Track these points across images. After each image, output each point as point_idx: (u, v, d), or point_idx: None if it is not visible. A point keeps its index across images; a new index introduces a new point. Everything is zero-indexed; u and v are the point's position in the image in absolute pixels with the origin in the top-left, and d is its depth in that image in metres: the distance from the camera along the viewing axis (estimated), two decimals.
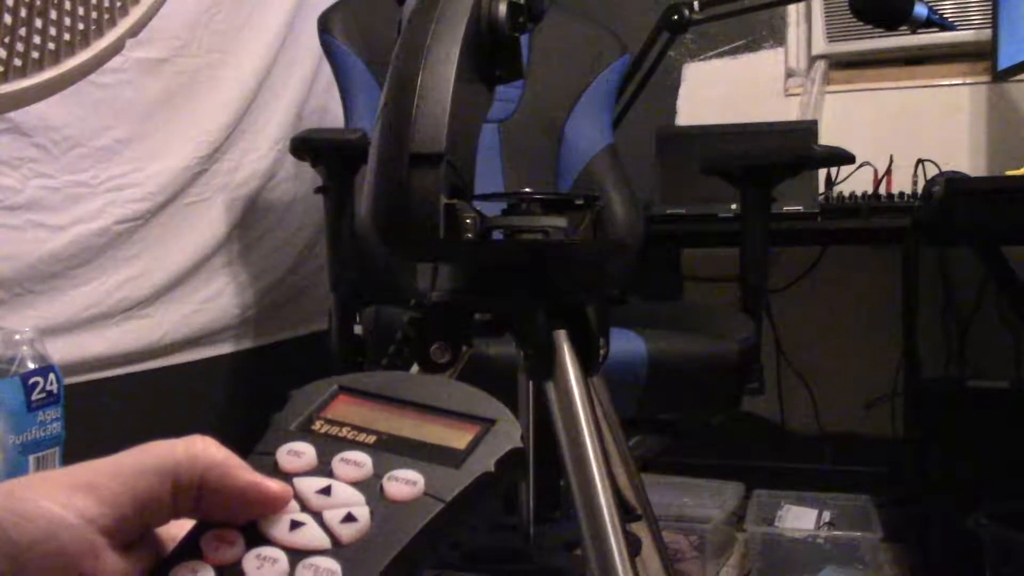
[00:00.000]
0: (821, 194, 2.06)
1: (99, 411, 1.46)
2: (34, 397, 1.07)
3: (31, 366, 1.08)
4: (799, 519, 1.92)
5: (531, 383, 0.99)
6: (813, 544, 1.83)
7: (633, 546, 0.83)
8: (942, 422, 1.83)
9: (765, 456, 2.31)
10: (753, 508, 1.98)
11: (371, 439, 0.35)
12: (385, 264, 1.54)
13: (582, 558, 0.80)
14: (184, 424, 1.67)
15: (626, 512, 0.86)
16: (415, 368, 0.87)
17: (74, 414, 1.15)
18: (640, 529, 0.90)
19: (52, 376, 1.10)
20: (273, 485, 0.32)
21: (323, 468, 0.34)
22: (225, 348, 1.79)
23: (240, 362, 1.83)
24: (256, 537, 0.32)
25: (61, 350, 1.32)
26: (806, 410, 2.32)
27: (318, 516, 0.32)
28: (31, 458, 1.08)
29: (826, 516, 1.92)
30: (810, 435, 2.32)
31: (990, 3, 2.01)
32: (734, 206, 1.87)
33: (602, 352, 0.87)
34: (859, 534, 1.83)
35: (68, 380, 1.18)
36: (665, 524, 1.81)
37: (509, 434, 0.35)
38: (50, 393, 1.09)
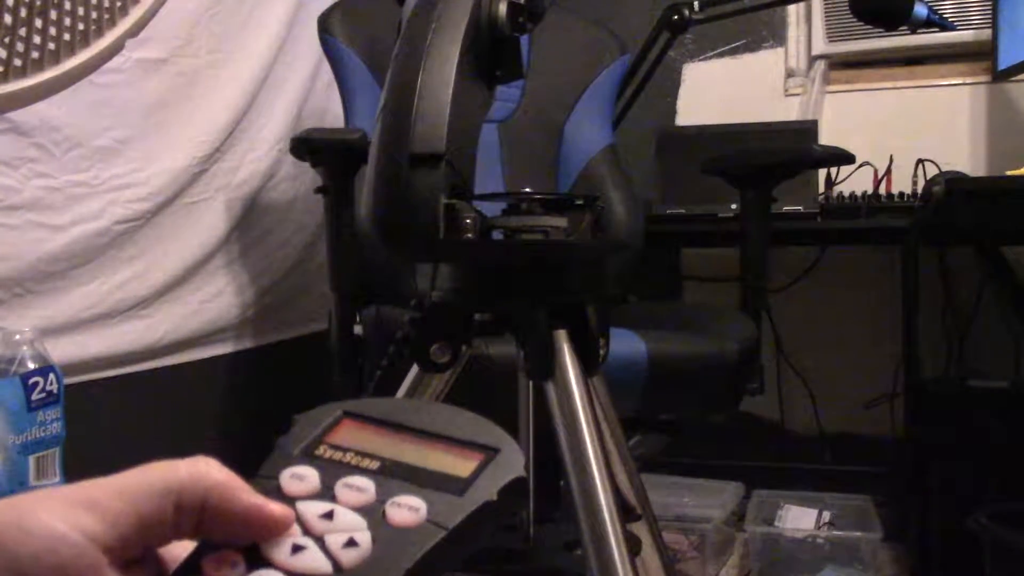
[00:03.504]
0: (821, 194, 2.06)
1: (99, 411, 1.46)
2: (34, 397, 1.07)
3: (31, 366, 1.08)
4: (799, 519, 1.92)
5: (531, 383, 0.99)
6: (813, 544, 1.83)
7: (633, 546, 0.83)
8: (942, 422, 1.83)
9: (765, 456, 2.31)
10: (753, 508, 1.98)
11: (375, 465, 0.35)
12: (385, 264, 1.54)
13: (582, 558, 0.80)
14: (184, 425, 1.68)
15: (626, 512, 0.86)
16: (415, 368, 0.87)
17: (74, 414, 1.15)
18: (640, 529, 0.90)
19: (52, 376, 1.10)
20: (275, 508, 0.32)
21: (326, 493, 0.34)
22: (225, 348, 1.79)
23: (240, 362, 1.83)
24: (258, 559, 0.32)
25: (61, 350, 1.31)
26: (806, 410, 2.32)
27: (320, 540, 0.32)
28: (31, 458, 1.08)
29: (826, 516, 1.92)
30: (810, 435, 2.32)
31: (990, 3, 2.01)
32: (734, 206, 1.87)
33: (602, 352, 0.87)
34: (859, 534, 1.83)
35: (68, 380, 1.18)
36: (665, 524, 1.81)
37: (513, 463, 0.34)
38: (50, 393, 1.09)
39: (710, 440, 2.20)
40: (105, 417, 1.47)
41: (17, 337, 1.09)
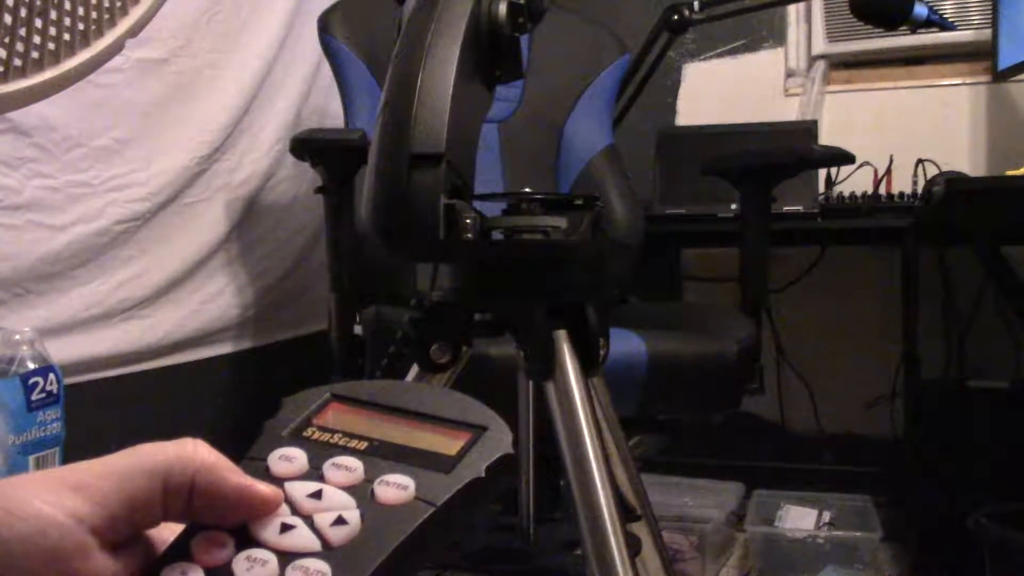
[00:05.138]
0: (821, 194, 2.06)
1: (99, 411, 1.46)
2: (34, 397, 1.07)
3: (31, 366, 1.08)
4: (799, 519, 1.92)
5: (531, 383, 0.99)
6: (813, 544, 1.83)
7: (633, 546, 0.83)
8: (942, 422, 1.83)
9: (765, 456, 2.31)
10: (753, 508, 1.98)
11: (363, 445, 0.35)
12: (385, 264, 1.54)
13: (582, 558, 0.80)
14: (184, 424, 1.67)
15: (626, 512, 0.86)
16: (415, 368, 0.87)
17: (74, 414, 1.15)
18: (640, 529, 0.90)
19: (52, 376, 1.10)
20: (264, 488, 0.33)
21: (314, 473, 0.34)
22: (225, 348, 1.79)
23: (240, 362, 1.83)
24: (247, 539, 0.32)
25: (61, 350, 1.31)
26: (806, 410, 2.32)
27: (309, 519, 0.32)
28: (31, 458, 1.08)
29: (826, 516, 1.92)
30: (810, 435, 2.32)
31: (990, 3, 2.01)
32: (734, 206, 1.87)
33: (602, 352, 0.87)
34: (859, 534, 1.83)
35: (68, 380, 1.18)
36: (665, 524, 1.81)
37: (500, 441, 0.35)
38: (50, 393, 1.09)
39: (710, 440, 2.20)
40: (105, 417, 1.47)
41: (17, 337, 1.09)
